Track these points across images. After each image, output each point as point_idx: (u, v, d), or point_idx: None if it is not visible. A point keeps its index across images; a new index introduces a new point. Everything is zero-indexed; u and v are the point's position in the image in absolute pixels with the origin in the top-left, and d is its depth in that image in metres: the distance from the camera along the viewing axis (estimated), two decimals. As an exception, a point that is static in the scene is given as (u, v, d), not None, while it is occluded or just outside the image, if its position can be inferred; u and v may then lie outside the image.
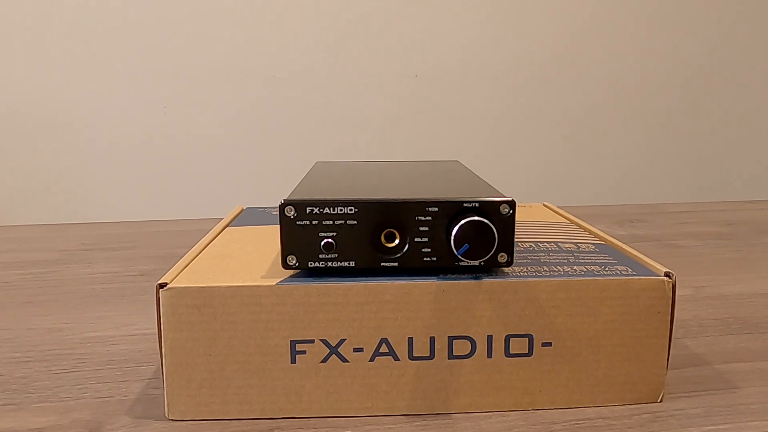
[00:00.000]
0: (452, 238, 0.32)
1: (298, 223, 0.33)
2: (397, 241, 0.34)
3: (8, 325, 0.49)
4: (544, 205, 0.55)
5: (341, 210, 0.33)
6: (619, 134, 1.35)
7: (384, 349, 0.34)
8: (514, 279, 0.34)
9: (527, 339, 0.35)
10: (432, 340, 0.34)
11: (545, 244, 0.41)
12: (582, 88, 1.32)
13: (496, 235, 0.33)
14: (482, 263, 0.34)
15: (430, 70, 1.27)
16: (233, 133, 1.24)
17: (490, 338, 0.34)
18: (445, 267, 0.34)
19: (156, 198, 1.24)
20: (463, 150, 1.30)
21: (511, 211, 0.33)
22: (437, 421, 0.34)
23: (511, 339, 0.34)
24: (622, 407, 0.35)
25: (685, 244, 0.72)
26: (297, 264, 0.34)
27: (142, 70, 1.20)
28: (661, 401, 0.36)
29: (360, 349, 0.34)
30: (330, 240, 0.33)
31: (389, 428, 0.34)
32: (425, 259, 0.34)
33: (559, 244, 0.41)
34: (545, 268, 0.36)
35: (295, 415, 0.35)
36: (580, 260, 0.37)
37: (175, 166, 1.24)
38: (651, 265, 0.36)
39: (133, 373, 0.40)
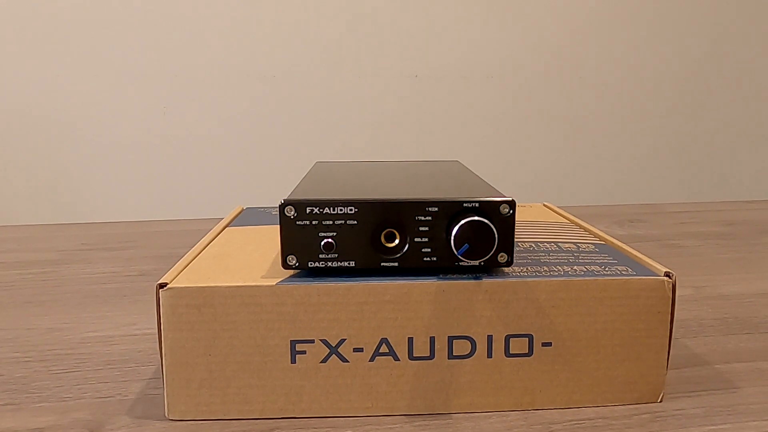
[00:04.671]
0: (452, 238, 0.32)
1: (298, 223, 0.33)
2: (397, 241, 0.34)
3: (8, 325, 0.49)
4: (544, 205, 0.55)
5: (341, 210, 0.33)
6: (619, 134, 1.35)
7: (384, 349, 0.34)
8: (514, 279, 0.34)
9: (527, 339, 0.35)
10: (432, 340, 0.34)
11: (545, 244, 0.41)
12: (582, 88, 1.32)
13: (496, 235, 0.33)
14: (482, 263, 0.34)
15: (430, 70, 1.28)
16: (233, 133, 1.24)
17: (490, 338, 0.34)
18: (445, 267, 0.34)
19: (156, 198, 1.24)
20: (463, 150, 1.30)
21: (511, 211, 0.33)
22: (437, 421, 0.34)
23: (511, 339, 0.34)
24: (622, 407, 0.35)
25: (685, 244, 0.72)
26: (297, 264, 0.34)
27: (142, 70, 1.20)
28: (661, 401, 0.36)
29: (360, 349, 0.34)
30: (330, 240, 0.33)
31: (389, 428, 0.34)
32: (425, 259, 0.34)
33: (559, 244, 0.41)
34: (545, 268, 0.36)
35: (295, 415, 0.35)
36: (580, 260, 0.37)
37: (175, 166, 1.24)
38: (651, 265, 0.36)
39: (133, 373, 0.40)
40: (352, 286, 0.33)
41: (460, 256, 0.33)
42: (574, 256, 0.38)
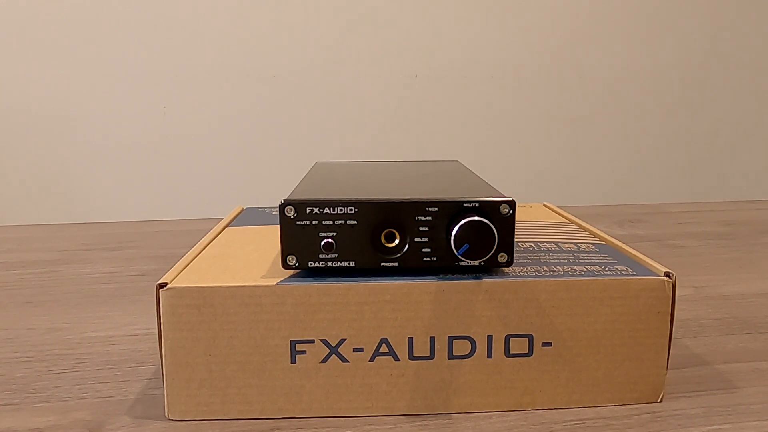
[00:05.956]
0: (452, 238, 0.32)
1: (298, 223, 0.33)
2: (397, 241, 0.34)
3: (8, 325, 0.49)
4: (544, 205, 0.55)
5: (341, 210, 0.33)
6: (619, 134, 1.35)
7: (384, 349, 0.34)
8: (514, 279, 0.34)
9: (527, 339, 0.35)
10: (432, 340, 0.34)
11: (545, 244, 0.41)
12: (582, 88, 1.32)
13: (496, 235, 0.33)
14: (482, 263, 0.34)
15: (430, 70, 1.27)
16: (233, 133, 1.24)
17: (490, 338, 0.34)
18: (445, 267, 0.34)
19: (156, 198, 1.24)
20: (463, 150, 1.30)
21: (511, 211, 0.33)
22: (437, 421, 0.34)
23: (511, 339, 0.34)
24: (622, 407, 0.35)
25: (685, 244, 0.72)
26: (297, 264, 0.34)
27: (142, 70, 1.20)
28: (661, 401, 0.36)
29: (360, 349, 0.34)
30: (330, 240, 0.33)
31: (389, 428, 0.34)
32: (425, 259, 0.34)
33: (559, 244, 0.41)
34: (545, 268, 0.36)
35: (295, 415, 0.35)
36: (580, 260, 0.37)
37: (175, 166, 1.24)
38: (651, 265, 0.36)
39: (133, 373, 0.40)
40: (352, 286, 0.33)
41: (460, 256, 0.33)
42: (574, 256, 0.38)
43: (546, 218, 0.50)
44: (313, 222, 0.33)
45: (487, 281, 0.34)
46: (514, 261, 0.37)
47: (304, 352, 0.34)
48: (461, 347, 0.34)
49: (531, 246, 0.41)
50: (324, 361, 0.34)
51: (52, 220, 1.19)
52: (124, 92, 1.20)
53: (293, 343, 0.34)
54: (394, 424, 0.34)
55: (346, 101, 1.26)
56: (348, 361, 0.34)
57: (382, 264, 0.34)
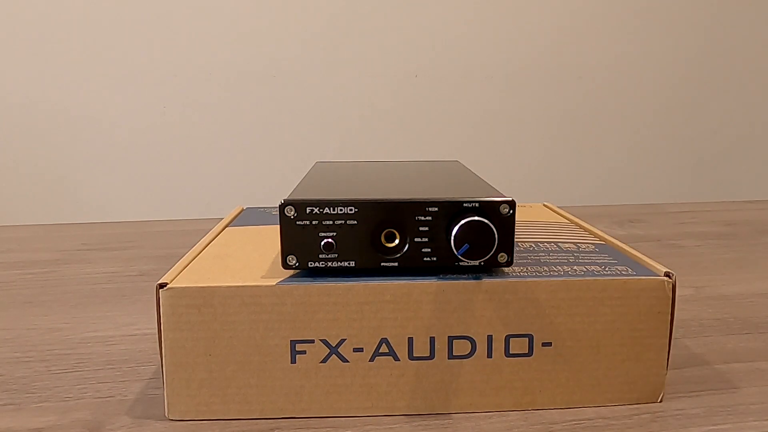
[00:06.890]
0: (452, 238, 0.32)
1: (298, 223, 0.33)
2: (397, 241, 0.34)
3: (8, 325, 0.49)
4: (544, 205, 0.55)
5: (341, 210, 0.33)
6: (619, 134, 1.35)
7: (384, 349, 0.34)
8: (514, 279, 0.34)
9: (527, 339, 0.35)
10: (432, 340, 0.34)
11: (545, 244, 0.41)
12: (581, 87, 1.32)
13: (496, 235, 0.33)
14: (482, 263, 0.34)
15: (430, 70, 1.27)
16: (233, 133, 1.24)
17: (490, 338, 0.34)
18: (445, 267, 0.34)
19: (156, 198, 1.24)
20: (463, 150, 1.30)
21: (511, 211, 0.33)
22: (437, 421, 0.34)
23: (511, 339, 0.34)
24: (622, 407, 0.35)
25: (685, 244, 0.72)
26: (297, 264, 0.34)
27: (141, 70, 1.20)
28: (661, 401, 0.36)
29: (360, 349, 0.34)
30: (330, 240, 0.33)
31: (389, 428, 0.34)
32: (425, 259, 0.34)
33: (559, 244, 0.41)
34: (545, 268, 0.36)
35: (295, 415, 0.35)
36: (580, 260, 0.37)
37: (175, 166, 1.24)
38: (651, 265, 0.36)
39: (133, 373, 0.40)
40: (352, 286, 0.33)
41: (460, 256, 0.33)
42: (574, 256, 0.38)
43: (546, 218, 0.50)
44: (313, 222, 0.33)
45: (487, 281, 0.34)
46: (514, 261, 0.37)
47: (304, 352, 0.34)
48: (461, 347, 0.34)
49: (531, 246, 0.41)
50: (324, 361, 0.34)
51: (52, 220, 1.19)
52: (124, 92, 1.20)
53: (293, 343, 0.34)
54: (394, 424, 0.34)
55: (346, 101, 1.26)
56: (348, 361, 0.34)
57: (382, 264, 0.34)
